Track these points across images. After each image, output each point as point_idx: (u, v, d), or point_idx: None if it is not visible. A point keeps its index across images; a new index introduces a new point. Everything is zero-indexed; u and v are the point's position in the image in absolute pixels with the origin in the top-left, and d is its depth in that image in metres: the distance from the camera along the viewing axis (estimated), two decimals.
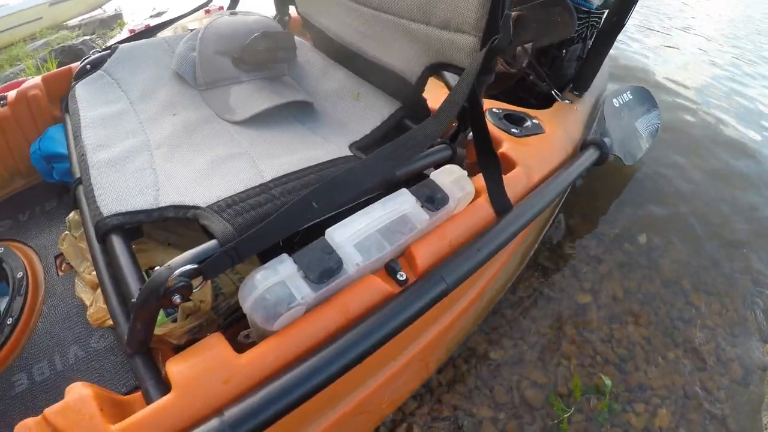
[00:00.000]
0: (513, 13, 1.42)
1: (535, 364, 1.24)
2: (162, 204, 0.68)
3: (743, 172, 2.13)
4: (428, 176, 0.77)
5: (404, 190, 0.72)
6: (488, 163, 0.79)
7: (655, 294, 1.49)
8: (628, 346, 1.32)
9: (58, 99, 1.20)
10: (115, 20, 4.76)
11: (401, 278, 0.67)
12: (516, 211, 0.83)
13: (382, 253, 0.66)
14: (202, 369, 0.51)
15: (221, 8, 1.39)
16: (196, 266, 0.54)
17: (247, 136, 0.89)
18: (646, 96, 1.86)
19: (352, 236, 0.65)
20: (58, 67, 3.47)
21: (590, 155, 1.22)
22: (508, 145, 1.02)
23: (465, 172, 0.79)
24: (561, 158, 1.12)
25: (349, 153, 0.84)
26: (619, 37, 1.44)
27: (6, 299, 0.98)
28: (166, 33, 1.28)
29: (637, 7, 1.36)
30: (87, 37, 3.97)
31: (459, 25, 0.76)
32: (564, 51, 1.47)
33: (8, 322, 0.92)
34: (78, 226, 0.94)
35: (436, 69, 0.88)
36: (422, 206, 0.71)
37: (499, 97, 1.64)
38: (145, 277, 0.60)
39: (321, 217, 0.63)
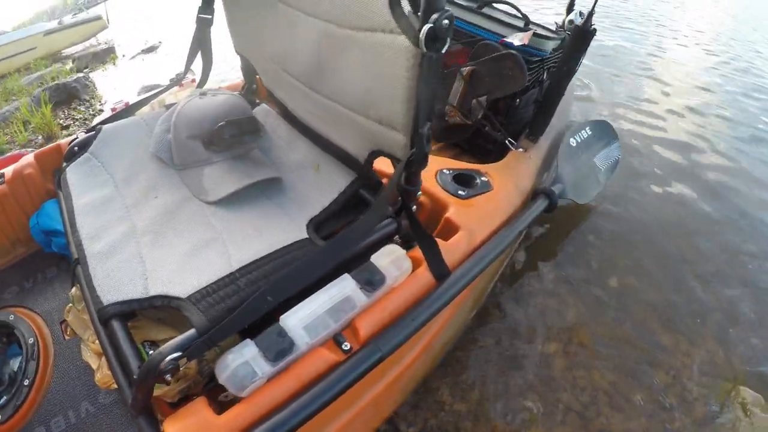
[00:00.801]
0: (467, 69, 1.56)
1: (498, 413, 1.31)
2: (151, 293, 0.82)
3: (709, 208, 2.18)
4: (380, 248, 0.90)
5: (346, 276, 0.84)
6: (422, 241, 0.91)
7: (623, 337, 1.53)
8: (593, 393, 1.37)
9: (50, 173, 1.32)
10: (108, 54, 4.92)
11: (346, 348, 0.80)
12: (454, 277, 0.95)
13: (327, 331, 0.80)
14: (192, 430, 0.67)
15: (193, 80, 1.49)
16: (180, 354, 0.68)
17: (220, 217, 1.01)
18: (605, 129, 1.97)
19: (302, 320, 0.78)
20: (52, 106, 3.62)
21: (538, 206, 1.34)
22: (453, 209, 1.13)
23: (403, 252, 0.90)
24: (507, 214, 1.23)
25: (305, 236, 0.96)
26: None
27: (18, 359, 1.15)
28: (145, 109, 1.40)
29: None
30: (80, 74, 4.11)
31: (391, 123, 0.87)
32: (518, 100, 1.59)
33: (25, 384, 1.09)
34: (80, 300, 1.05)
35: (381, 153, 0.99)
36: (362, 288, 0.83)
37: (461, 143, 1.78)
38: (143, 351, 0.77)
39: (276, 304, 0.76)
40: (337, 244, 0.80)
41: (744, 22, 6.99)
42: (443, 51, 0.70)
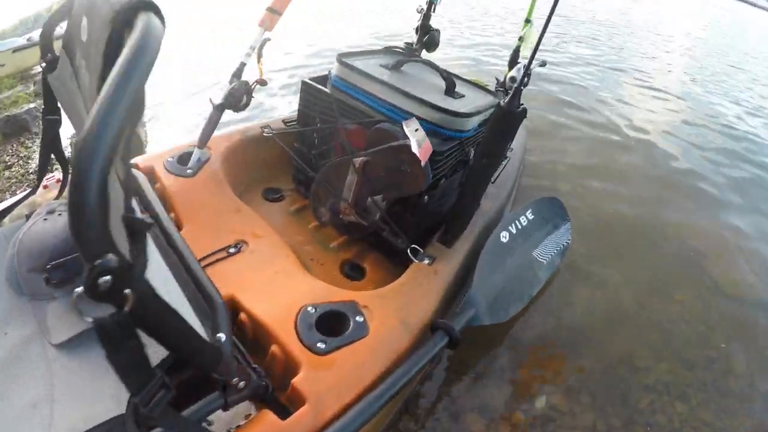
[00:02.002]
0: (360, 160, 1.26)
1: None
2: None
3: (652, 309, 1.94)
4: None
5: None
6: None
7: None
8: None
9: None
10: None
11: None
12: None
13: None
14: None
15: (59, 180, 1.37)
16: None
17: (61, 364, 0.87)
18: (553, 209, 1.67)
19: None
20: (1, 140, 3.43)
21: (432, 347, 1.05)
22: (304, 372, 0.93)
23: None
24: (381, 369, 1.00)
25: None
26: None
27: None
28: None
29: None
30: (32, 105, 3.90)
31: None
32: (425, 197, 1.28)
33: None
34: None
35: None
36: None
37: (365, 238, 1.48)
38: None
39: None
40: None
41: None
42: None
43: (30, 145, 3.61)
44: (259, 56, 1.49)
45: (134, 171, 1.34)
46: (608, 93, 4.61)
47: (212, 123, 1.51)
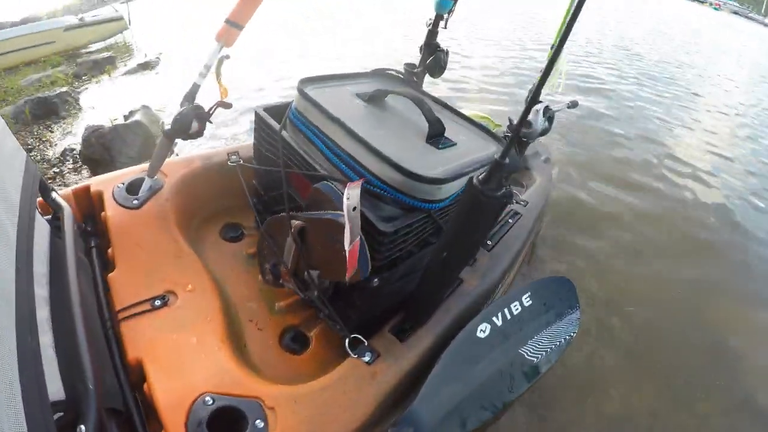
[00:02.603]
0: (296, 222, 1.02)
1: None
2: None
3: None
4: None
5: None
6: None
7: None
8: None
9: None
10: (106, 63, 4.77)
11: None
12: None
13: None
14: None
15: None
16: None
17: None
18: (559, 294, 1.33)
19: None
20: (30, 120, 3.51)
21: None
22: None
23: None
24: None
25: None
26: None
27: None
28: None
29: None
30: (63, 89, 3.97)
31: None
32: (375, 280, 1.01)
33: None
34: None
35: None
36: None
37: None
38: None
39: None
40: None
41: None
42: None
43: (54, 129, 3.65)
44: (218, 74, 1.27)
45: (61, 201, 1.18)
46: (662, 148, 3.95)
47: (162, 151, 1.32)
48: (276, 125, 1.18)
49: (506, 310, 1.17)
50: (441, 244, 0.93)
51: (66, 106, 3.91)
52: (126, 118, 3.26)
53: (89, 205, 1.34)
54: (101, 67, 4.65)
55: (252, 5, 1.21)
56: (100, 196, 1.31)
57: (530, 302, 1.22)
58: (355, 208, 0.85)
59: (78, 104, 4.04)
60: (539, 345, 1.21)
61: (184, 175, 1.44)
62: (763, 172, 3.94)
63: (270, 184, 1.30)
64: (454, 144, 1.15)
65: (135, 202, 1.29)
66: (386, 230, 0.93)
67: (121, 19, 5.86)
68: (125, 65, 4.96)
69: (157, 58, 5.02)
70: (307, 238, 1.02)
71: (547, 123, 1.39)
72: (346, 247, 0.84)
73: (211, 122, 1.34)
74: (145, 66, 4.71)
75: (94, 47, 5.81)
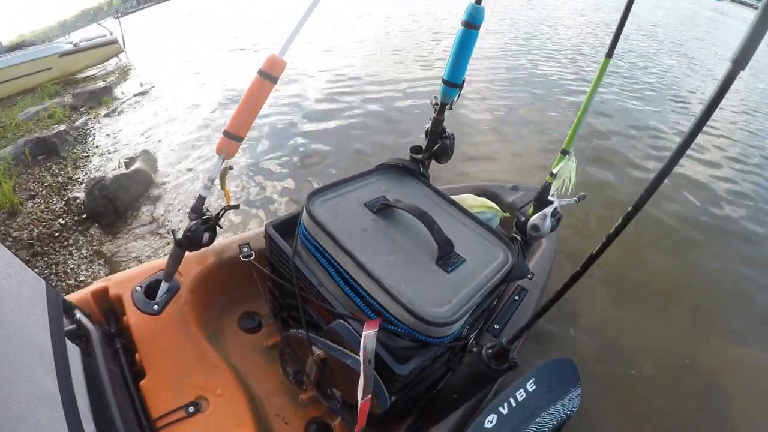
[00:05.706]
0: (318, 352, 1.05)
1: None
2: None
3: None
4: None
5: None
6: None
7: None
8: None
9: None
10: (104, 94, 4.75)
11: None
12: None
13: None
14: None
15: None
16: None
17: None
18: (563, 374, 1.37)
19: None
20: (31, 161, 3.53)
21: None
22: None
23: None
24: None
25: None
26: None
27: None
28: None
29: None
30: (63, 127, 3.96)
31: None
32: (392, 398, 1.05)
33: None
34: None
35: None
36: None
37: None
38: None
39: None
40: None
41: None
42: None
43: (56, 171, 3.65)
44: (223, 184, 1.30)
45: (86, 322, 1.21)
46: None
47: (176, 259, 1.35)
48: (288, 249, 1.20)
49: (512, 399, 1.21)
50: (451, 387, 0.97)
51: (65, 145, 3.92)
52: (127, 165, 3.27)
53: (109, 307, 1.38)
54: (98, 98, 4.63)
55: (249, 116, 1.19)
56: (119, 299, 1.35)
57: (534, 387, 1.27)
58: (370, 362, 0.88)
59: (77, 143, 4.04)
60: (543, 421, 1.26)
61: (200, 272, 1.48)
62: None
63: (285, 294, 1.33)
64: (464, 261, 1.17)
65: (155, 307, 1.33)
66: (401, 373, 0.97)
67: (115, 42, 5.83)
68: (122, 93, 4.94)
69: (153, 86, 5.01)
70: (328, 365, 1.06)
71: (555, 223, 1.42)
72: (359, 399, 0.88)
73: (220, 227, 1.37)
74: (143, 94, 4.70)
75: (90, 72, 5.77)
